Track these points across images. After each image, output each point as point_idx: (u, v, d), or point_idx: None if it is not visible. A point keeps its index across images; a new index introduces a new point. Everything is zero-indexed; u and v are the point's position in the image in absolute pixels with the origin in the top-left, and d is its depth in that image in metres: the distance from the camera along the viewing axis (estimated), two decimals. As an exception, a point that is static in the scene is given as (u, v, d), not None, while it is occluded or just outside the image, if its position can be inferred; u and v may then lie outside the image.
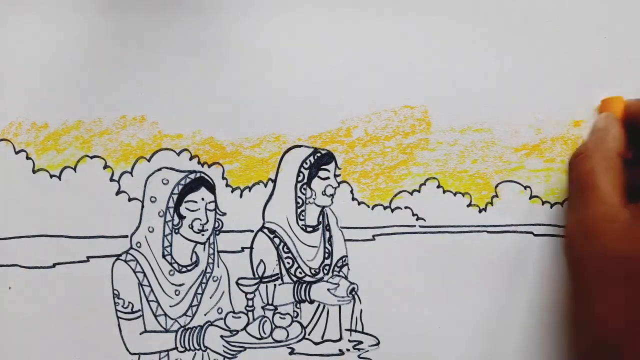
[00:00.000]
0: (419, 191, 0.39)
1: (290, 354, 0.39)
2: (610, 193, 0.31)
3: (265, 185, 0.39)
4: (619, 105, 0.36)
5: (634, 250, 0.29)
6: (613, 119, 0.35)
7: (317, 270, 0.40)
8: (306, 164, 0.40)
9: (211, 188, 0.39)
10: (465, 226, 0.39)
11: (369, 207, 0.39)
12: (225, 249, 0.39)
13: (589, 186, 0.32)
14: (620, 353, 0.29)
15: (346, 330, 0.39)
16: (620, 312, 0.29)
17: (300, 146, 0.40)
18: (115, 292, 0.39)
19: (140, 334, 0.39)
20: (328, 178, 0.40)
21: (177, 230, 0.39)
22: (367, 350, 0.39)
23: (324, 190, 0.40)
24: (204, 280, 0.39)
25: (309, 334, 0.39)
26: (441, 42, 0.40)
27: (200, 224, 0.39)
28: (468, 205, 0.39)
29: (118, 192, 0.39)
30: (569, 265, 0.33)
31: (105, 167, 0.40)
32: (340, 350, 0.39)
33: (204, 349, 0.39)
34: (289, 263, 0.40)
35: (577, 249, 0.32)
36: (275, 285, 0.39)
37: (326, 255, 0.40)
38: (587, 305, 0.31)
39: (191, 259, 0.39)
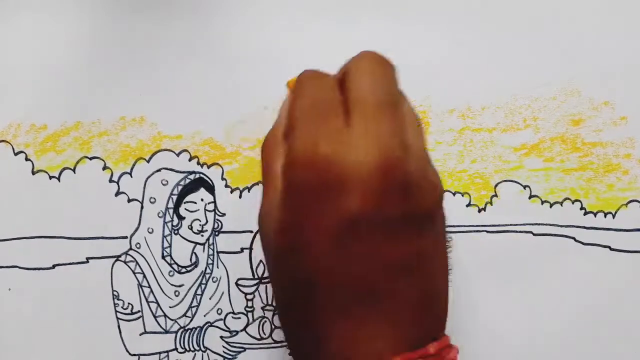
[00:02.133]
0: (418, 191, 0.39)
1: (290, 354, 0.39)
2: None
3: (265, 186, 0.39)
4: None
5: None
6: (284, 102, 0.33)
7: (317, 271, 0.40)
8: (305, 164, 0.40)
9: (210, 189, 0.39)
10: (464, 226, 0.39)
11: (368, 207, 0.39)
12: (224, 249, 0.39)
13: (263, 170, 0.31)
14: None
15: (346, 330, 0.39)
16: None
17: (299, 146, 0.40)
18: (115, 293, 0.39)
19: (140, 334, 0.39)
20: (327, 178, 0.39)
21: (176, 231, 0.39)
22: (367, 351, 0.39)
23: (324, 191, 0.40)
24: (204, 281, 0.39)
25: (308, 335, 0.39)
26: (440, 42, 0.40)
27: (200, 225, 0.39)
28: (467, 205, 0.39)
29: (117, 193, 0.39)
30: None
31: (105, 168, 0.40)
32: (340, 350, 0.39)
33: (203, 349, 0.39)
34: (288, 263, 0.40)
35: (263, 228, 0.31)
36: (275, 285, 0.39)
37: (326, 255, 0.40)
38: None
39: (191, 259, 0.39)
